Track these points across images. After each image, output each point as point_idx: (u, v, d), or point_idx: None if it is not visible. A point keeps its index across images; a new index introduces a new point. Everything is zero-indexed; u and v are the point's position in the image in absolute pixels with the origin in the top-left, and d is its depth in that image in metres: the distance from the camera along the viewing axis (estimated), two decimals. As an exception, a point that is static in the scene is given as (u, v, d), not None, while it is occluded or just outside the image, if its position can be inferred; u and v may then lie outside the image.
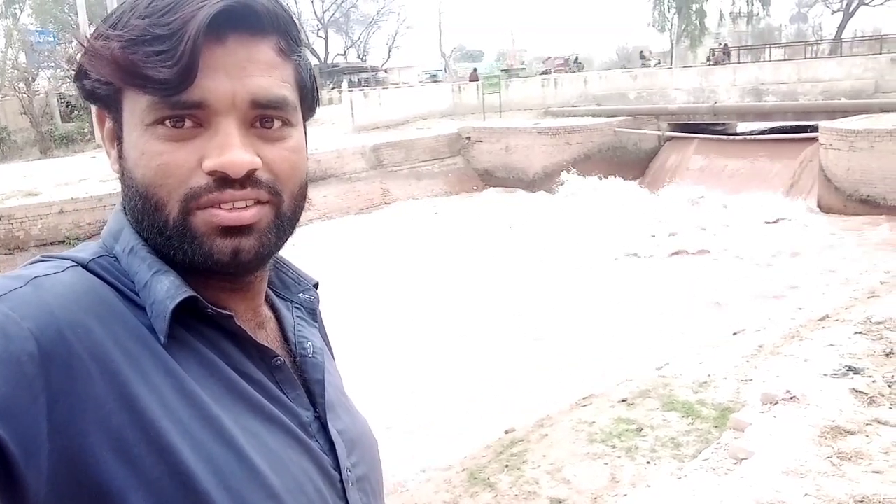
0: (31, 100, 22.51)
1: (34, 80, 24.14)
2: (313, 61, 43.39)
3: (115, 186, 12.71)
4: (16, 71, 23.56)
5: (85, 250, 0.72)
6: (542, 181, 18.92)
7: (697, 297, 9.97)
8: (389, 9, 45.34)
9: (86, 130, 22.88)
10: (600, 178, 18.45)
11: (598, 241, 13.58)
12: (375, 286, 11.26)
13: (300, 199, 0.75)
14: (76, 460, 0.58)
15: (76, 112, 23.78)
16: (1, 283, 0.62)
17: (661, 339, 8.27)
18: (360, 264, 12.41)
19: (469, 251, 13.27)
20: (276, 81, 0.70)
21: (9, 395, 0.55)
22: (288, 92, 0.72)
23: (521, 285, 11.08)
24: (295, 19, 0.74)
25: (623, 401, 5.64)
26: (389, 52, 46.98)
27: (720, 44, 32.31)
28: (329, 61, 43.12)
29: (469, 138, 20.49)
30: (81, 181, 14.62)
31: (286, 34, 0.72)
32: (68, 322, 0.61)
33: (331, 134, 20.28)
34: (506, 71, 33.71)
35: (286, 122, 0.72)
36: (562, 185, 18.42)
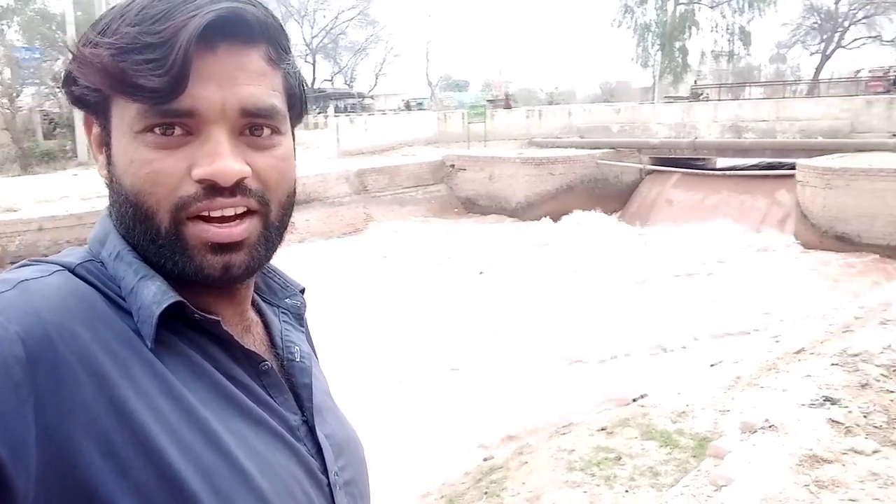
0: (14, 116, 22.34)
1: (18, 95, 23.96)
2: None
3: (95, 205, 12.57)
4: (0, 86, 23.41)
5: (72, 255, 0.72)
6: (525, 210, 19.08)
7: (675, 328, 10.04)
8: (378, 37, 45.75)
9: (67, 148, 22.73)
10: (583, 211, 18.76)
11: (578, 268, 13.66)
12: (352, 308, 11.21)
13: (287, 208, 0.76)
14: (64, 465, 0.57)
15: (59, 129, 23.65)
16: None
17: (640, 367, 8.30)
18: (339, 286, 12.36)
19: (447, 275, 13.28)
20: (265, 90, 0.71)
21: None
22: (277, 100, 0.72)
23: (498, 311, 11.09)
24: (283, 28, 0.75)
25: (602, 429, 5.63)
26: (376, 78, 47.30)
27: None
28: (316, 86, 43.36)
29: (453, 166, 20.64)
30: (62, 198, 14.49)
31: (275, 43, 0.73)
32: (56, 325, 0.60)
33: (316, 158, 20.31)
34: (491, 101, 34.04)
35: (275, 131, 0.72)
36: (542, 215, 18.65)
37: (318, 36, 43.38)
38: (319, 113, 31.72)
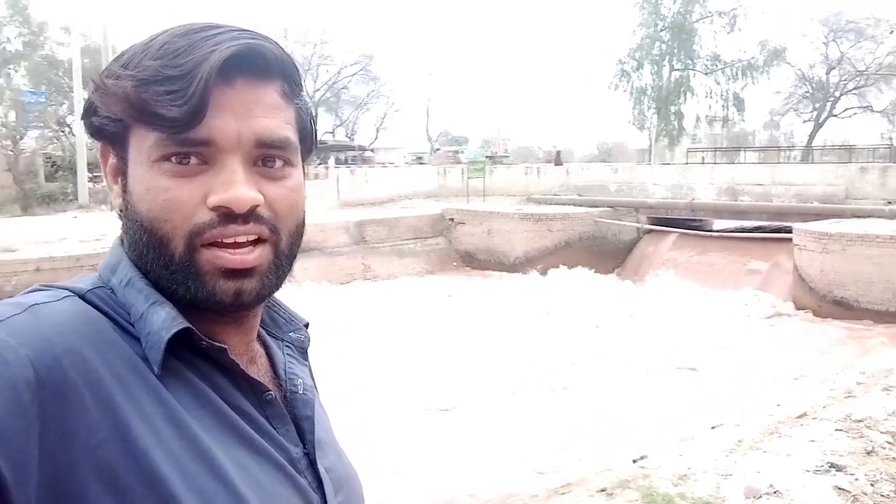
0: (17, 157, 22.53)
1: (21, 138, 24.26)
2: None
3: (95, 247, 12.52)
4: (4, 129, 23.68)
5: (83, 281, 0.73)
6: (523, 265, 19.11)
7: (675, 389, 9.95)
8: (379, 92, 46.68)
9: (68, 191, 22.90)
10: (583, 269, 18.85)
11: (578, 328, 13.61)
12: (347, 353, 11.10)
13: (296, 238, 0.78)
14: (64, 490, 0.58)
15: (60, 172, 23.87)
16: None
17: (640, 429, 8.19)
18: (335, 332, 12.28)
19: (442, 328, 13.20)
20: (279, 123, 0.74)
21: (4, 420, 0.56)
22: (290, 133, 0.76)
23: (496, 365, 10.99)
24: (296, 65, 0.78)
25: (602, 490, 5.51)
26: (377, 132, 48.08)
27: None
28: (317, 138, 43.96)
29: (452, 220, 20.77)
30: (61, 240, 14.47)
31: (290, 79, 0.76)
32: (65, 350, 0.62)
33: (316, 208, 20.45)
34: (490, 157, 34.55)
35: (287, 162, 0.76)
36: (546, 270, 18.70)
37: (321, 89, 44.23)
38: (320, 164, 32.13)
